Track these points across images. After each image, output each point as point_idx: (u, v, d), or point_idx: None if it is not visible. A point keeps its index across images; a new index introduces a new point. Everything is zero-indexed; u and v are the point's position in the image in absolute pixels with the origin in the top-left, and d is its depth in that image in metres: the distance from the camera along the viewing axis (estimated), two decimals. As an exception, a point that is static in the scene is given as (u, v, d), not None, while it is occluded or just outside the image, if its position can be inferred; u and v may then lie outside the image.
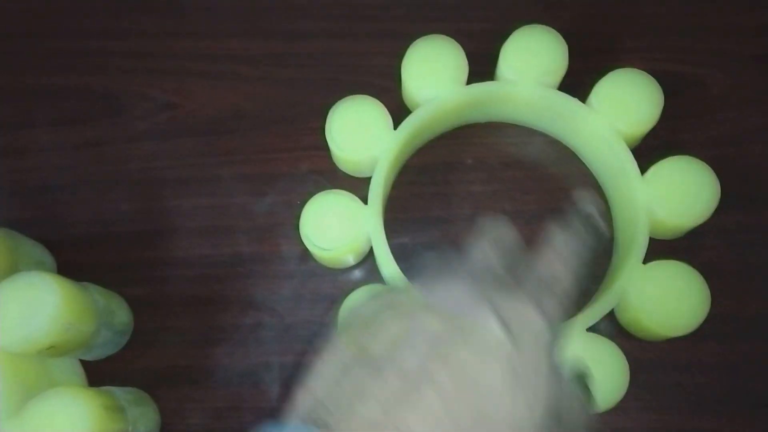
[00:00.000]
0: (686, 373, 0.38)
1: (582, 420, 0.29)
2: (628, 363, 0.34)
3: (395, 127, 0.38)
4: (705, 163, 0.36)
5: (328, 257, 0.37)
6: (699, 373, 0.37)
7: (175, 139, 0.42)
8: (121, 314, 0.38)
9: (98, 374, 0.37)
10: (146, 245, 0.40)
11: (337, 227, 0.36)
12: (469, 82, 0.38)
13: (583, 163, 0.41)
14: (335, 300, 0.38)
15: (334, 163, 0.41)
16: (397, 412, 0.23)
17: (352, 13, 0.44)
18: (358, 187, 0.38)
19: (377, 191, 0.37)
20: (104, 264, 0.40)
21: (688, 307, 0.34)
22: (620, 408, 0.34)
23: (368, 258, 0.39)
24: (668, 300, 0.34)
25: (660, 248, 0.36)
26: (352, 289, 0.36)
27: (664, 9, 0.44)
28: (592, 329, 0.35)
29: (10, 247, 0.36)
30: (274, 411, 0.29)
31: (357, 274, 0.40)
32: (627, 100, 0.37)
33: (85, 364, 0.37)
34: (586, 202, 0.33)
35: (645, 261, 0.35)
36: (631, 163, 0.37)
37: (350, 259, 0.38)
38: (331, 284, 0.39)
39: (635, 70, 0.37)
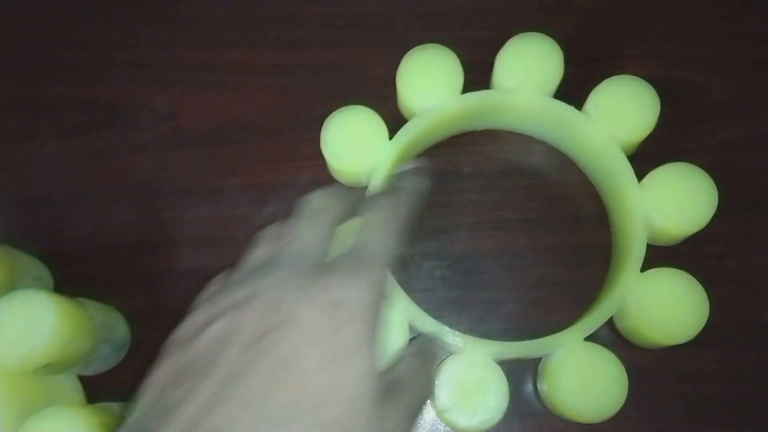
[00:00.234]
0: (687, 382, 0.37)
1: (422, 391, 0.31)
2: (628, 371, 0.34)
3: (392, 137, 0.38)
4: (702, 170, 0.36)
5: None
6: (700, 381, 0.37)
7: (177, 149, 0.42)
8: (119, 329, 0.38)
9: (97, 389, 0.37)
10: (148, 257, 0.41)
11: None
12: (467, 90, 0.38)
13: (582, 171, 0.40)
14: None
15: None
16: (215, 411, 0.24)
17: (353, 22, 0.44)
18: (357, 197, 0.38)
19: (374, 201, 0.37)
20: (105, 276, 0.40)
21: (687, 316, 0.34)
22: (620, 417, 0.33)
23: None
24: (667, 308, 0.34)
25: (658, 255, 0.36)
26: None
27: (664, 15, 0.43)
28: (590, 337, 0.35)
29: (7, 263, 0.36)
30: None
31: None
32: (623, 107, 0.37)
33: (83, 379, 0.38)
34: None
35: (643, 268, 0.35)
36: (627, 170, 0.36)
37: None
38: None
39: (631, 76, 0.37)
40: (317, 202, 0.31)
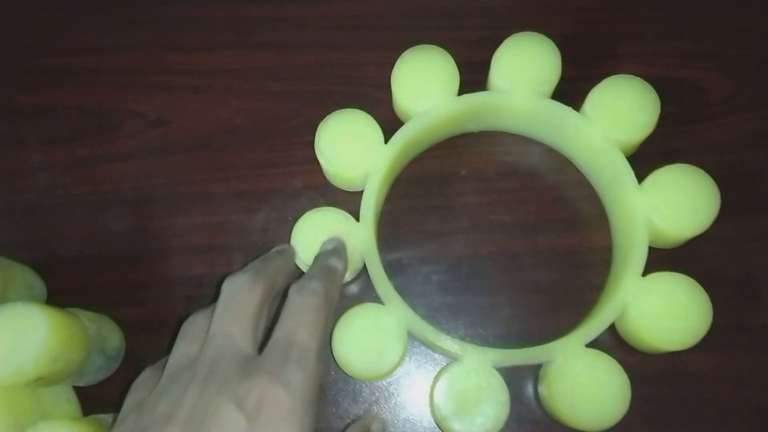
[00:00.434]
0: (689, 386, 0.37)
1: None
2: (630, 377, 0.33)
3: (388, 140, 0.37)
4: (704, 171, 0.35)
5: (320, 276, 0.36)
6: (702, 385, 0.37)
7: (167, 156, 0.42)
8: (113, 339, 0.37)
9: (92, 399, 0.37)
10: (140, 265, 0.40)
11: (328, 246, 0.35)
12: (464, 91, 0.38)
13: (580, 172, 0.40)
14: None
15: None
16: None
17: (345, 23, 0.44)
18: (352, 201, 0.37)
19: (369, 207, 0.36)
20: (97, 285, 0.40)
21: (689, 321, 0.33)
22: (622, 423, 0.33)
23: (364, 273, 0.38)
24: (669, 314, 0.34)
25: (659, 258, 0.36)
26: (348, 307, 0.35)
27: (661, 13, 0.43)
28: (590, 343, 0.34)
29: (-1, 273, 0.35)
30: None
31: (353, 289, 0.39)
32: (622, 108, 0.36)
33: (78, 389, 0.37)
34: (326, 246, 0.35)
35: (644, 272, 0.35)
36: (627, 172, 0.36)
37: (345, 277, 0.38)
38: (327, 301, 0.39)
39: (630, 76, 0.37)
40: (243, 286, 0.30)
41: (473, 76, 0.38)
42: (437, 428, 0.37)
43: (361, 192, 0.37)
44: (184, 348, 0.30)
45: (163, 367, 0.30)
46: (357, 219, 0.36)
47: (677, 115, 0.40)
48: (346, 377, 0.38)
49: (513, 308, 0.38)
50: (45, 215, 0.41)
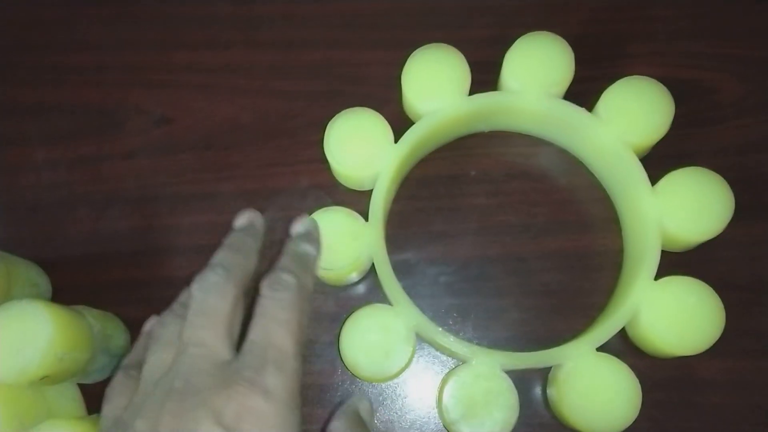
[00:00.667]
0: (700, 392, 0.36)
1: None
2: (640, 381, 0.33)
3: (396, 140, 0.37)
4: (718, 174, 0.35)
5: (328, 277, 0.36)
6: (713, 391, 0.36)
7: (172, 154, 0.41)
8: (118, 337, 0.37)
9: (97, 398, 0.35)
10: (144, 264, 0.39)
11: (336, 247, 0.35)
12: (473, 91, 0.37)
13: (592, 174, 0.39)
14: (337, 319, 0.37)
15: (335, 178, 0.39)
16: None
17: (352, 21, 0.43)
18: (360, 201, 0.37)
19: (378, 208, 0.36)
20: (101, 284, 0.39)
21: (701, 326, 0.33)
22: (632, 429, 0.33)
23: (372, 273, 0.38)
24: (681, 319, 0.33)
25: (670, 261, 0.35)
26: (355, 308, 0.35)
27: (674, 12, 0.42)
28: (600, 347, 0.34)
29: (3, 270, 0.35)
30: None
31: (360, 290, 0.39)
32: (636, 109, 0.36)
33: (83, 387, 0.37)
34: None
35: (655, 275, 0.34)
36: (640, 175, 0.35)
37: (353, 277, 0.37)
38: (334, 302, 0.38)
39: (644, 77, 0.36)
40: (215, 288, 0.29)
41: (482, 76, 0.38)
42: (444, 431, 0.36)
43: (369, 191, 0.37)
44: (158, 355, 0.28)
45: (133, 368, 0.30)
46: (365, 219, 0.36)
47: (690, 117, 0.40)
48: (353, 378, 0.37)
49: (521, 311, 0.38)
50: (49, 213, 0.41)
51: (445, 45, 0.37)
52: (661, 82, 0.36)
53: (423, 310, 0.35)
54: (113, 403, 0.29)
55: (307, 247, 0.33)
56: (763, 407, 0.36)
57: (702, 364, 0.36)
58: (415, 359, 0.37)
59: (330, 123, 0.37)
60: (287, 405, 0.26)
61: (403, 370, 0.34)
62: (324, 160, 0.37)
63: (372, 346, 0.34)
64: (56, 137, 0.42)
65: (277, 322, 0.28)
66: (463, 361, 0.35)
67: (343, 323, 0.35)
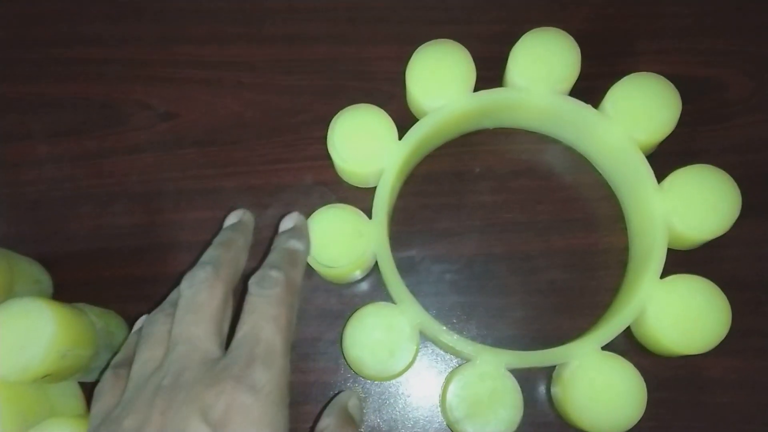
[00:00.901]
0: (705, 391, 0.36)
1: None
2: (645, 381, 0.33)
3: (400, 136, 0.36)
4: (725, 172, 0.34)
5: (332, 274, 0.36)
6: (719, 391, 0.36)
7: (176, 149, 0.41)
8: (120, 334, 0.37)
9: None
10: (147, 261, 0.39)
11: (339, 244, 0.34)
12: (478, 87, 0.37)
13: (598, 172, 0.39)
14: (341, 316, 0.37)
15: (338, 174, 0.39)
16: None
17: (357, 16, 0.43)
18: (365, 197, 0.37)
19: (382, 205, 0.35)
20: (104, 280, 0.39)
21: (708, 325, 0.33)
22: (637, 428, 0.32)
23: (375, 271, 0.38)
24: (688, 317, 0.33)
25: (676, 260, 0.35)
26: (359, 305, 0.35)
27: (683, 8, 0.42)
28: (605, 346, 0.34)
29: (5, 267, 0.35)
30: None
31: (364, 288, 0.39)
32: (643, 106, 0.35)
33: (85, 385, 0.37)
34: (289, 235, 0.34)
35: (661, 274, 0.34)
36: (647, 172, 0.35)
37: (356, 274, 0.37)
38: (337, 299, 0.38)
39: (651, 74, 0.36)
40: (204, 285, 0.29)
41: (488, 72, 0.38)
42: (448, 430, 0.36)
43: (373, 188, 0.36)
44: (148, 353, 0.29)
45: (122, 366, 0.30)
46: (369, 216, 0.36)
47: (697, 114, 0.39)
48: (355, 377, 0.37)
49: (526, 309, 0.38)
50: (52, 208, 0.40)
51: (451, 41, 0.37)
52: (669, 79, 0.36)
53: (427, 308, 0.34)
54: (102, 402, 0.29)
55: (296, 243, 0.33)
56: (769, 407, 0.36)
57: (708, 363, 0.36)
58: (418, 357, 0.37)
59: (333, 120, 0.36)
60: (275, 401, 0.26)
61: (406, 368, 0.34)
62: (328, 157, 0.37)
63: (375, 345, 0.34)
64: (59, 132, 0.42)
65: (266, 319, 0.28)
66: (468, 360, 0.34)
67: (347, 321, 0.34)
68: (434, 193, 0.39)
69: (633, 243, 0.37)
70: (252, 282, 0.30)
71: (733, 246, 0.37)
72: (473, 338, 0.36)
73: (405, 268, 0.37)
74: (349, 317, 0.34)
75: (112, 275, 0.39)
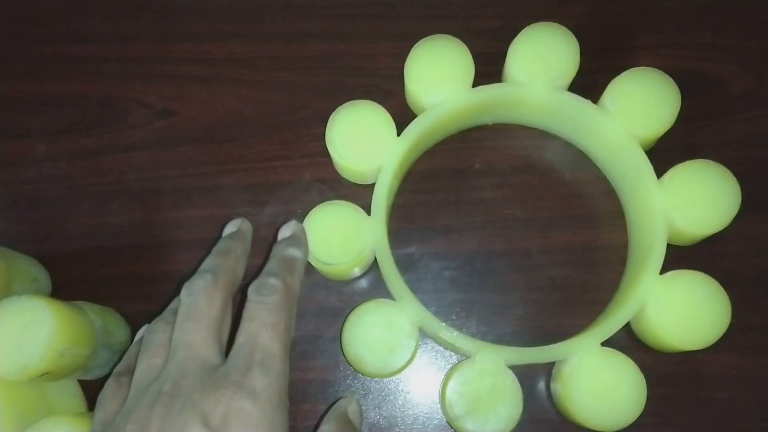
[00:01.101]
0: (706, 387, 0.36)
1: None
2: (645, 377, 0.33)
3: (399, 133, 0.36)
4: (725, 167, 0.34)
5: (331, 271, 0.35)
6: (719, 387, 0.36)
7: (174, 147, 0.41)
8: (119, 333, 0.37)
9: (97, 394, 0.36)
10: (145, 259, 0.39)
11: (338, 241, 0.34)
12: (477, 83, 0.37)
13: (597, 167, 0.39)
14: (341, 313, 0.37)
15: (337, 171, 0.39)
16: None
17: (355, 12, 0.43)
18: (364, 194, 0.37)
19: (381, 201, 0.35)
20: (102, 278, 0.39)
21: (708, 321, 0.33)
22: (637, 424, 0.32)
23: (375, 268, 0.38)
24: (688, 313, 0.33)
25: (676, 255, 0.35)
26: (358, 302, 0.35)
27: (682, 3, 0.42)
28: (605, 342, 0.34)
29: (3, 265, 0.35)
30: None
31: (363, 285, 0.38)
32: (642, 101, 0.35)
33: (83, 383, 0.37)
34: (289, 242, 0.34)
35: (660, 270, 0.34)
36: (647, 168, 0.35)
37: (356, 271, 0.37)
38: (337, 296, 0.38)
39: (651, 69, 0.36)
40: (203, 292, 0.30)
41: (487, 68, 0.37)
42: (447, 427, 0.36)
43: (372, 185, 0.36)
44: (148, 360, 0.29)
45: (124, 375, 0.30)
46: (367, 213, 0.36)
47: (697, 110, 0.39)
48: (355, 374, 0.37)
49: (526, 306, 0.38)
50: (50, 207, 0.40)
51: (449, 36, 0.37)
52: (668, 73, 0.36)
53: (427, 305, 0.34)
54: (104, 410, 0.29)
55: (294, 251, 0.33)
56: (770, 403, 0.36)
57: (708, 359, 0.36)
58: (418, 354, 0.37)
59: (332, 116, 0.36)
60: (274, 406, 0.26)
61: (406, 365, 0.34)
62: (326, 154, 0.37)
63: (375, 342, 0.34)
64: (57, 131, 0.41)
65: (264, 325, 0.28)
66: (467, 357, 0.34)
67: (346, 318, 0.34)
68: (434, 189, 0.39)
69: (633, 239, 0.37)
70: (251, 289, 0.30)
71: (733, 242, 0.37)
72: (473, 335, 0.36)
73: (404, 265, 0.37)
74: (349, 314, 0.34)
75: (111, 273, 0.39)
